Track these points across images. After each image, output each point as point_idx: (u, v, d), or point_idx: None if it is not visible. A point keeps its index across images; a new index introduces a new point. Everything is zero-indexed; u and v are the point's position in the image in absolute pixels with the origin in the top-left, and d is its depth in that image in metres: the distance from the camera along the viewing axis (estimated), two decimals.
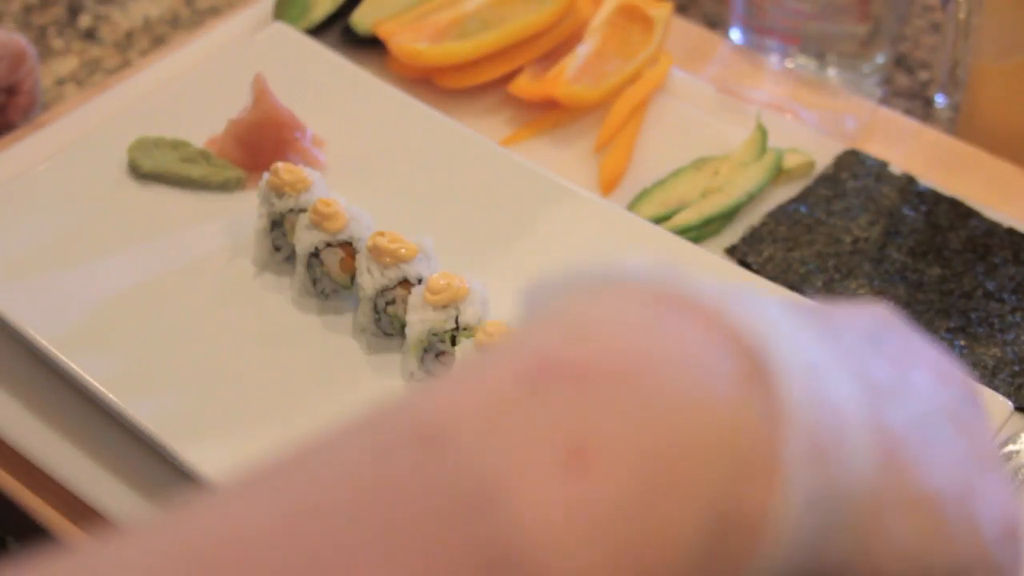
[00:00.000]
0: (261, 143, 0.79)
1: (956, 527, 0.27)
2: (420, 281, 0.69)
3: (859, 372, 0.27)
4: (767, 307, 0.27)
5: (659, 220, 0.78)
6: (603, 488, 0.24)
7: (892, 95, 0.93)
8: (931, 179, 0.81)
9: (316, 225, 0.71)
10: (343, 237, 0.71)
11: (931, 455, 0.27)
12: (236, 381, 0.68)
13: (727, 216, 0.79)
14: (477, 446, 0.24)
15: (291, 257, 0.74)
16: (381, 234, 0.69)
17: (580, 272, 0.28)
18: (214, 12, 1.00)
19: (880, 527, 0.26)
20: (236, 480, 0.25)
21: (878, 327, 0.29)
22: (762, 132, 0.83)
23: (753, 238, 0.78)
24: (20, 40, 0.83)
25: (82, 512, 0.65)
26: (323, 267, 0.72)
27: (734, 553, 0.25)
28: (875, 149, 0.83)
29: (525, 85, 0.85)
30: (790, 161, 0.82)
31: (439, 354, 0.67)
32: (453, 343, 0.67)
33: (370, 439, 0.25)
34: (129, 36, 0.99)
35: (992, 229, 0.78)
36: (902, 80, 0.94)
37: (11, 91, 0.84)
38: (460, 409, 0.25)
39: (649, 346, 0.25)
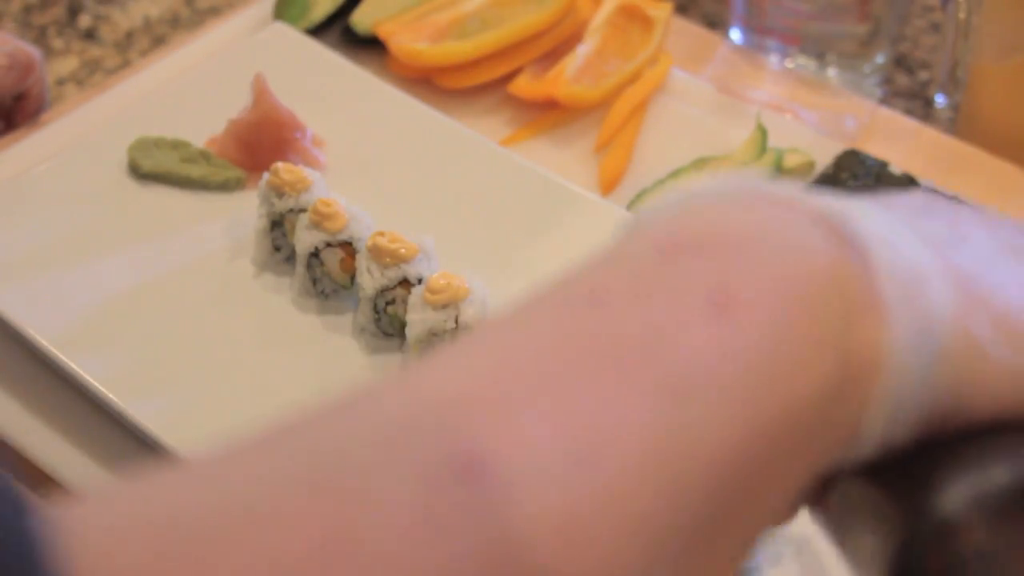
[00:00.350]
0: (261, 143, 0.79)
1: None
2: (420, 281, 0.69)
3: (919, 232, 0.31)
4: (827, 194, 0.31)
5: None
6: (746, 329, 0.27)
7: (892, 95, 0.93)
8: (931, 179, 0.81)
9: (316, 225, 0.71)
10: (343, 237, 0.71)
11: (1001, 280, 0.31)
12: (236, 381, 0.68)
13: None
14: (634, 304, 0.28)
15: (291, 257, 0.74)
16: (381, 234, 0.69)
17: (666, 199, 0.31)
18: (214, 12, 1.00)
19: (978, 351, 0.30)
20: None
21: (924, 201, 0.33)
22: (762, 132, 0.83)
23: None
24: (29, 50, 0.83)
25: None
26: (323, 267, 0.72)
27: (859, 390, 0.28)
28: (875, 149, 0.83)
29: (525, 85, 0.85)
30: (790, 161, 0.82)
31: None
32: None
33: (550, 303, 0.29)
34: (129, 36, 0.99)
35: None
36: (902, 80, 0.94)
37: (19, 97, 0.84)
38: (613, 279, 0.28)
39: (755, 220, 0.29)
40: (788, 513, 0.30)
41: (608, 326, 0.27)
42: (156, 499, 0.25)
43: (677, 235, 0.29)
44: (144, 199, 0.78)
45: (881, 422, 0.29)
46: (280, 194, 0.72)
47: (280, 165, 0.73)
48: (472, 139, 0.81)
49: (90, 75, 0.95)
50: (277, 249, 0.74)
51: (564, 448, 0.25)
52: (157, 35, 0.99)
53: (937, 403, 0.29)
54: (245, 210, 0.76)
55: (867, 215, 0.30)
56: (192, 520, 0.24)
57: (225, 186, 0.79)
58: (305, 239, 0.71)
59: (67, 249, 0.74)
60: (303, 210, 0.72)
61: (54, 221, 0.76)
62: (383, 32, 0.87)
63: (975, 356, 0.30)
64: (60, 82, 0.95)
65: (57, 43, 0.98)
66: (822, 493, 0.32)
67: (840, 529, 0.33)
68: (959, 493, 0.29)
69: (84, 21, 1.00)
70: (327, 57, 0.86)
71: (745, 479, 0.27)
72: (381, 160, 0.81)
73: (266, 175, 0.73)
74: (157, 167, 0.79)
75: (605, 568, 0.25)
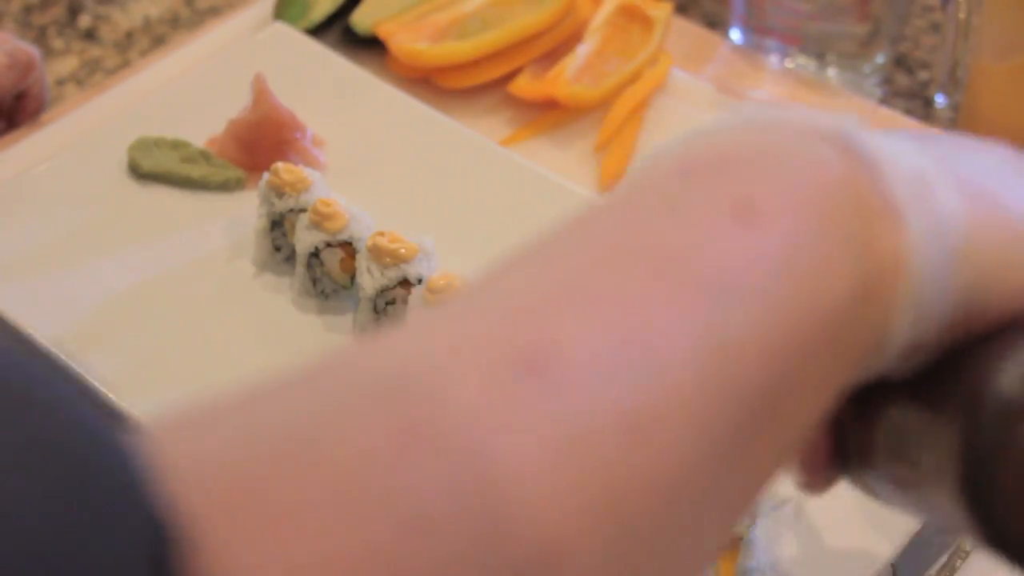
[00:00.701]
0: (261, 143, 0.79)
1: None
2: (420, 281, 0.69)
3: (919, 148, 0.32)
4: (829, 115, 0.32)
5: None
6: (772, 237, 0.28)
7: (892, 95, 0.93)
8: None
9: (316, 225, 0.71)
10: (343, 237, 0.71)
11: (1004, 186, 0.32)
12: (236, 381, 0.68)
13: None
14: (664, 220, 0.29)
15: (291, 257, 0.74)
16: (381, 234, 0.69)
17: (676, 140, 0.32)
18: (214, 12, 1.00)
19: (990, 251, 0.31)
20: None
21: (924, 132, 0.34)
22: None
23: None
24: (29, 49, 0.83)
25: None
26: (323, 267, 0.72)
27: (883, 290, 0.30)
28: None
29: (525, 85, 0.85)
30: None
31: None
32: None
33: (580, 231, 0.30)
34: (129, 36, 0.99)
35: None
36: (902, 80, 0.94)
37: (20, 96, 0.84)
38: (640, 202, 0.30)
39: (768, 140, 0.30)
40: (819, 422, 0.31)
41: (642, 241, 0.28)
42: (223, 430, 0.25)
43: (697, 158, 0.30)
44: (144, 199, 0.78)
45: (907, 322, 0.30)
46: (280, 194, 0.72)
47: (280, 165, 0.73)
48: (472, 139, 0.81)
49: (90, 75, 0.95)
50: (277, 249, 0.74)
51: (620, 351, 0.26)
52: (157, 35, 0.99)
53: (958, 303, 0.31)
54: (245, 210, 0.76)
55: (869, 132, 0.31)
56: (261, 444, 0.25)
57: (225, 186, 0.79)
58: (305, 239, 0.71)
59: (67, 249, 0.74)
60: (303, 210, 0.72)
61: (54, 221, 0.76)
62: (383, 32, 0.87)
63: (988, 255, 0.31)
64: (60, 82, 0.95)
65: (57, 43, 0.98)
66: (862, 440, 0.33)
67: (891, 467, 0.33)
68: (1014, 374, 0.30)
69: (84, 21, 1.00)
70: (327, 57, 0.86)
71: (783, 378, 0.28)
72: (381, 160, 0.81)
73: (266, 175, 0.73)
74: (157, 167, 0.79)
75: (669, 466, 0.26)
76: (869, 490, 0.36)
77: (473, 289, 0.29)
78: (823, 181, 0.30)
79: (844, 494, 0.37)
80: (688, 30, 0.92)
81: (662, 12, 0.89)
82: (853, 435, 0.34)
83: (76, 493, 0.21)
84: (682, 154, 0.31)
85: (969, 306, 0.31)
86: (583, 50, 0.87)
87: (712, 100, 0.87)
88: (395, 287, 0.69)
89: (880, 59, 0.91)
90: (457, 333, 0.27)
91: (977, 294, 0.31)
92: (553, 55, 0.87)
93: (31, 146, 0.82)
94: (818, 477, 0.35)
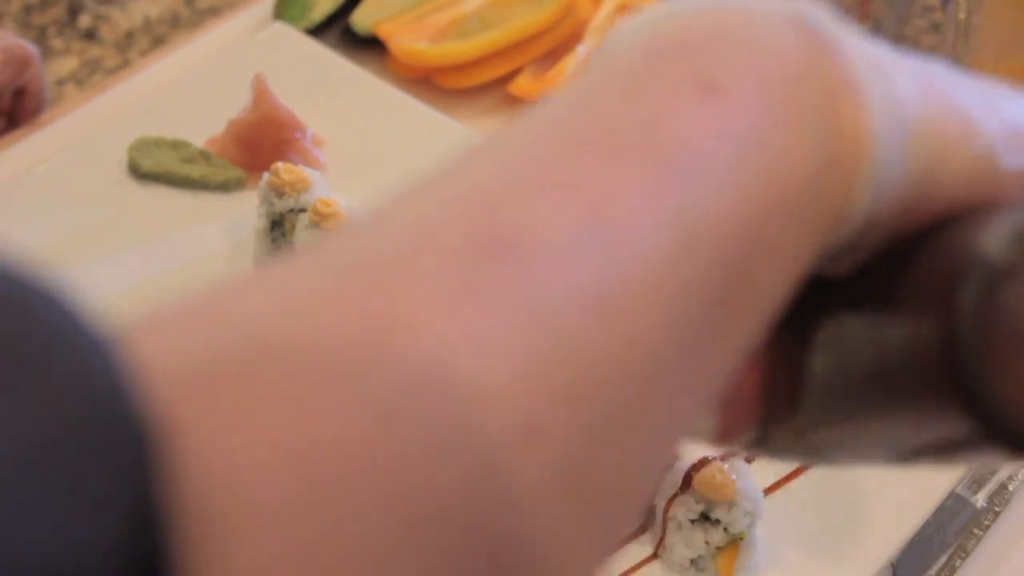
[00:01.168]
0: (261, 143, 0.79)
1: (986, 128, 0.33)
2: None
3: (878, 44, 0.33)
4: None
5: None
6: (733, 111, 0.28)
7: None
8: None
9: (316, 225, 0.71)
10: None
11: (952, 84, 0.33)
12: None
13: None
14: (624, 99, 0.29)
15: None
16: None
17: (632, 24, 0.32)
18: (214, 12, 1.01)
19: (942, 138, 0.32)
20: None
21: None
22: None
23: None
24: (25, 45, 0.83)
25: None
26: None
27: (845, 165, 0.30)
28: None
29: (525, 85, 0.85)
30: None
31: None
32: None
33: (541, 117, 0.30)
34: (129, 36, 0.99)
35: None
36: None
37: (19, 94, 0.84)
38: (600, 84, 0.30)
39: (728, 21, 0.31)
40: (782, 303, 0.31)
41: (603, 122, 0.28)
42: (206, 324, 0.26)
43: (658, 40, 0.30)
44: (144, 199, 0.78)
45: (868, 196, 0.31)
46: (280, 194, 0.72)
47: (280, 165, 0.73)
48: (472, 139, 0.81)
49: (90, 75, 0.95)
50: (277, 249, 0.74)
51: (583, 229, 0.26)
52: (157, 35, 0.99)
53: (911, 184, 0.31)
54: (245, 210, 0.76)
55: (830, 18, 0.32)
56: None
57: (225, 186, 0.79)
58: (305, 239, 0.71)
59: (67, 249, 0.74)
60: (303, 210, 0.72)
61: (54, 221, 0.76)
62: (383, 32, 0.87)
63: (937, 141, 0.32)
64: (60, 82, 0.95)
65: (57, 43, 0.98)
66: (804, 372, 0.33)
67: (834, 394, 0.32)
68: (999, 234, 0.30)
69: (84, 21, 1.00)
70: (327, 57, 0.86)
71: (749, 250, 0.28)
72: (381, 160, 0.81)
73: (266, 175, 0.73)
74: (157, 167, 0.79)
75: (638, 340, 0.26)
76: (796, 441, 0.34)
77: (429, 182, 0.29)
78: (785, 60, 0.30)
79: (845, 494, 0.37)
80: None
81: None
82: (780, 368, 0.33)
83: (49, 390, 0.21)
84: (644, 37, 0.31)
85: (918, 190, 0.32)
86: (583, 50, 0.87)
87: None
88: None
89: None
90: (416, 221, 0.27)
91: (926, 178, 0.32)
92: (553, 55, 0.87)
93: (31, 146, 0.82)
94: (738, 421, 0.35)
